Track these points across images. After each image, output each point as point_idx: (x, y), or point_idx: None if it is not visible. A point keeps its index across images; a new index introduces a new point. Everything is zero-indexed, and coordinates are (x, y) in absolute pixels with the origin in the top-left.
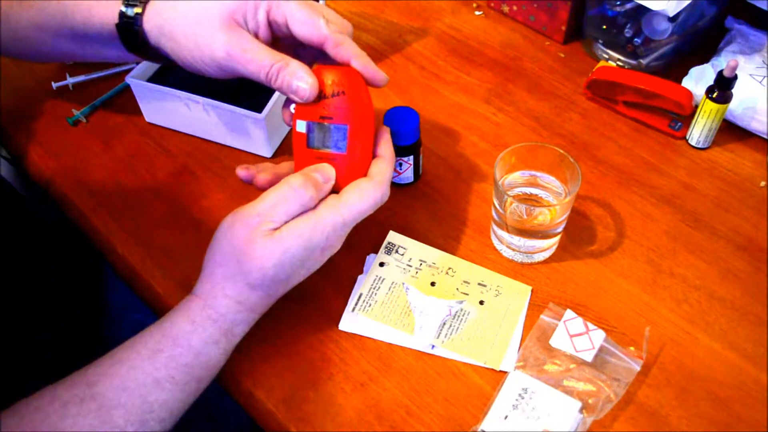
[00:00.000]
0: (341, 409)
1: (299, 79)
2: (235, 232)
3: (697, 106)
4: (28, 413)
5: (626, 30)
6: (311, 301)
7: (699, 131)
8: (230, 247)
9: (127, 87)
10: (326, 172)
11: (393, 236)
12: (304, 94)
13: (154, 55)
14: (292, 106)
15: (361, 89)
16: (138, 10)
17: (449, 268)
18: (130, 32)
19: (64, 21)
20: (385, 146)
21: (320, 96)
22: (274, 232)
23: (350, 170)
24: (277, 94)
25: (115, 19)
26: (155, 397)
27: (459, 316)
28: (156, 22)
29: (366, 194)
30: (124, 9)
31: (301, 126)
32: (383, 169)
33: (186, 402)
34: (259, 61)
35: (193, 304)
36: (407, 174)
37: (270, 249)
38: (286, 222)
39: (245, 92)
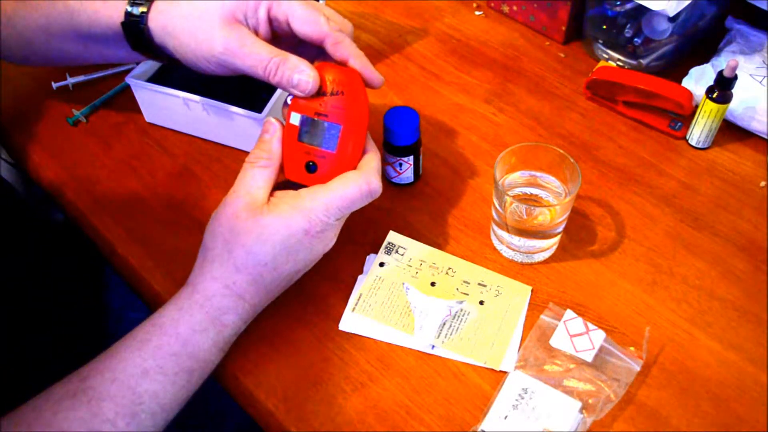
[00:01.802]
0: (341, 409)
1: (301, 72)
2: (222, 212)
3: (697, 106)
4: (26, 412)
5: (626, 30)
6: (311, 301)
7: (699, 131)
8: (219, 227)
9: (127, 87)
10: (267, 125)
11: (393, 236)
12: (306, 87)
13: (159, 54)
14: (289, 98)
15: (360, 91)
16: (143, 8)
17: (449, 268)
18: (135, 31)
19: (71, 22)
20: (368, 142)
21: (319, 92)
22: (257, 212)
23: (338, 169)
24: (276, 95)
25: (121, 18)
26: (145, 388)
27: (459, 316)
28: (160, 21)
29: (350, 182)
30: (129, 8)
31: (294, 119)
32: (368, 161)
33: (178, 396)
34: (256, 55)
35: (183, 292)
36: (407, 174)
37: (251, 226)
38: (265, 193)
39: (245, 92)
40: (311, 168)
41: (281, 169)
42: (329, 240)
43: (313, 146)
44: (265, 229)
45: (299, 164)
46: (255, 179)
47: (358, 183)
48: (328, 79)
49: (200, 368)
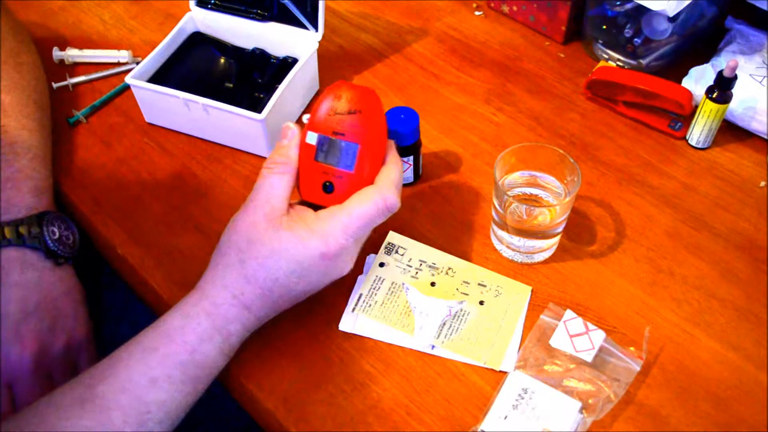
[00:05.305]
0: (341, 409)
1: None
2: (241, 219)
3: (697, 106)
4: (29, 416)
5: (626, 30)
6: (311, 301)
7: (699, 131)
8: (235, 234)
9: (127, 87)
10: (285, 131)
11: (393, 236)
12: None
13: None
14: (305, 117)
15: (376, 110)
16: None
17: (449, 268)
18: None
19: None
20: (390, 153)
21: (336, 112)
22: (276, 223)
23: (355, 189)
24: (277, 95)
25: None
26: (152, 397)
27: (459, 317)
28: None
29: (366, 200)
30: None
31: (311, 138)
32: (386, 174)
33: (184, 404)
34: None
35: (190, 298)
36: (407, 174)
37: (268, 237)
38: (285, 202)
39: (245, 93)
40: (328, 188)
41: (297, 186)
42: (345, 264)
43: (330, 166)
44: (282, 244)
45: (316, 184)
46: (274, 187)
47: (374, 199)
48: (345, 98)
49: (206, 375)
